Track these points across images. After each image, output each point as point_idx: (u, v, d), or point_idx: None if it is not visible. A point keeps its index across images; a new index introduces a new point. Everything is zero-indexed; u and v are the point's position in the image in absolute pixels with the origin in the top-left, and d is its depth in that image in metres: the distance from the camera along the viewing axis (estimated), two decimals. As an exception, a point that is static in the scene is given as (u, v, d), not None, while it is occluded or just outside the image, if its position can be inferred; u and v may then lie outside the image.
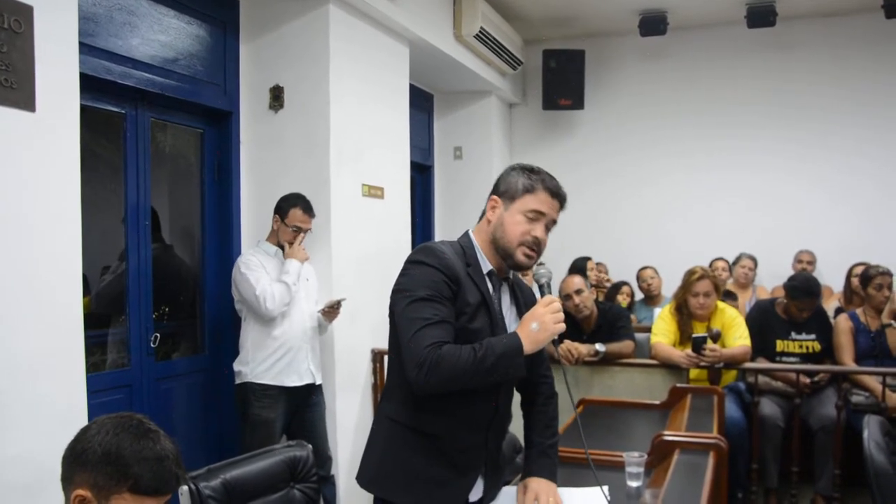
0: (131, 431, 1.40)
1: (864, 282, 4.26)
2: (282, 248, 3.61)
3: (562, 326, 1.78)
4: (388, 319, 1.91)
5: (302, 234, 3.61)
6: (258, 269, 3.47)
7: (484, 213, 1.96)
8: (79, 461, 1.38)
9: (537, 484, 1.94)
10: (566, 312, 4.03)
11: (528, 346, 1.74)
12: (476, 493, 1.94)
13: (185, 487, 1.91)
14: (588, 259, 5.77)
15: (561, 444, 2.15)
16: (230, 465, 2.09)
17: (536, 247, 1.88)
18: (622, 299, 5.57)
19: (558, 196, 1.90)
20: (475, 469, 1.93)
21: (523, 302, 2.02)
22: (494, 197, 1.93)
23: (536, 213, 1.87)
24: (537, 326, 1.75)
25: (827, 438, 3.89)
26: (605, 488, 1.96)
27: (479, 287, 1.87)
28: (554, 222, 1.92)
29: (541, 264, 1.97)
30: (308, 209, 3.62)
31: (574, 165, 6.77)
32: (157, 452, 1.40)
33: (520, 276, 2.31)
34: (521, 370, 1.76)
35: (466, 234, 1.97)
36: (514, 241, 1.87)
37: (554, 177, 1.93)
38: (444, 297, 1.79)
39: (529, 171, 1.91)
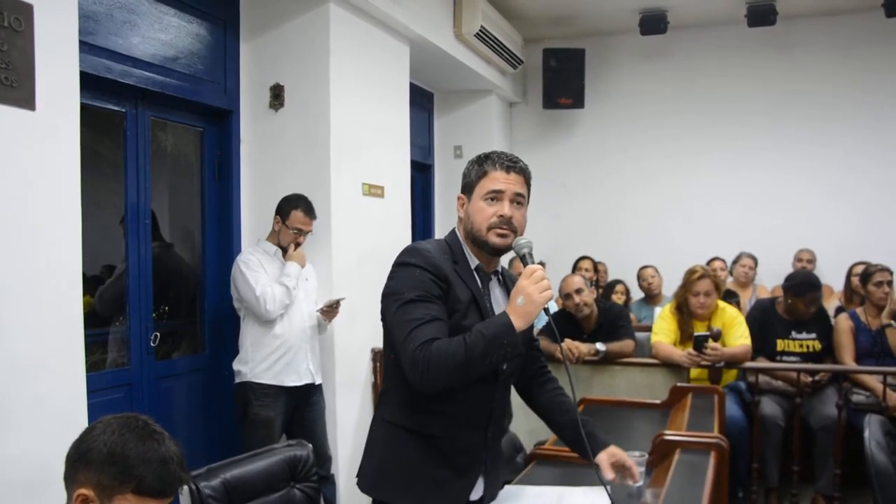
0: (137, 432, 1.40)
1: (864, 279, 4.26)
2: (282, 248, 3.61)
3: (549, 294, 1.72)
4: (385, 321, 1.90)
5: (303, 238, 3.61)
6: (258, 270, 3.46)
7: None
8: (83, 460, 1.38)
9: (611, 453, 1.97)
10: (567, 312, 4.09)
11: (518, 322, 1.69)
12: (476, 492, 1.93)
13: (186, 487, 1.90)
14: (584, 259, 5.77)
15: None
16: (230, 465, 2.09)
17: (507, 225, 1.84)
18: (616, 298, 5.56)
19: (513, 169, 1.88)
20: (475, 469, 1.92)
21: None
22: (460, 195, 1.94)
23: (494, 192, 1.85)
24: (523, 300, 1.70)
25: (828, 438, 3.89)
26: (608, 487, 1.95)
27: (468, 284, 1.86)
28: (520, 195, 1.88)
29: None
30: (309, 211, 3.61)
31: (574, 164, 6.78)
32: (161, 454, 1.40)
33: (510, 269, 2.30)
34: (518, 347, 1.73)
35: (453, 231, 1.97)
36: (482, 227, 1.85)
37: (506, 153, 1.91)
38: (434, 296, 1.78)
39: (480, 158, 1.92)
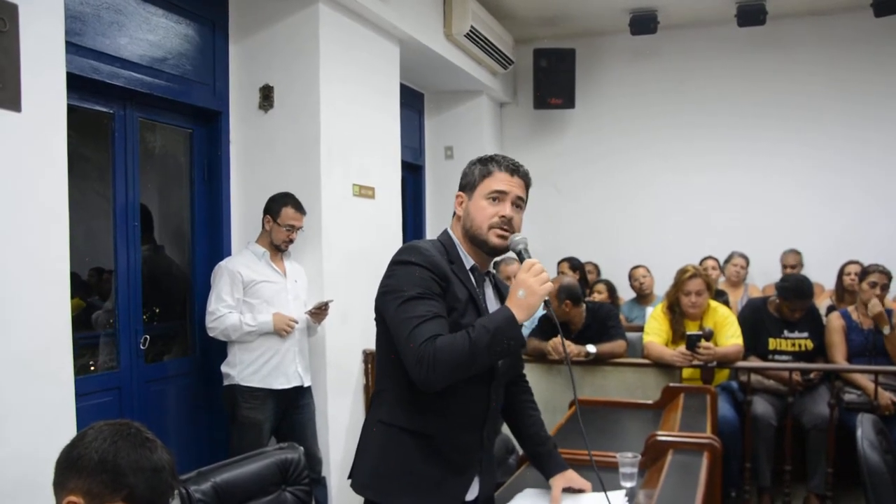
0: (129, 440, 1.37)
1: (862, 275, 4.27)
2: (276, 247, 3.59)
3: (548, 287, 1.76)
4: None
5: (295, 234, 3.59)
6: (226, 287, 3.44)
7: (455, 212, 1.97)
8: (73, 467, 1.35)
9: (569, 478, 2.03)
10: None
11: (521, 315, 1.72)
12: (472, 492, 1.92)
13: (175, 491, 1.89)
14: (564, 261, 5.76)
15: (557, 444, 2.14)
16: (220, 468, 2.07)
17: (508, 225, 1.87)
18: (597, 298, 5.53)
19: (517, 172, 1.91)
20: (471, 468, 1.91)
21: (506, 295, 2.01)
22: (459, 193, 1.95)
23: (498, 192, 1.87)
24: (524, 293, 1.73)
25: (820, 437, 3.90)
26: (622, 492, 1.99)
27: (465, 283, 1.87)
28: (521, 199, 1.91)
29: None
30: (299, 207, 3.60)
31: (565, 165, 6.78)
32: (154, 463, 1.37)
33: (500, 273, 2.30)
34: (521, 340, 1.75)
35: (446, 231, 1.97)
36: (483, 225, 1.87)
37: (509, 157, 1.93)
38: (435, 294, 1.77)
39: (483, 159, 1.93)
